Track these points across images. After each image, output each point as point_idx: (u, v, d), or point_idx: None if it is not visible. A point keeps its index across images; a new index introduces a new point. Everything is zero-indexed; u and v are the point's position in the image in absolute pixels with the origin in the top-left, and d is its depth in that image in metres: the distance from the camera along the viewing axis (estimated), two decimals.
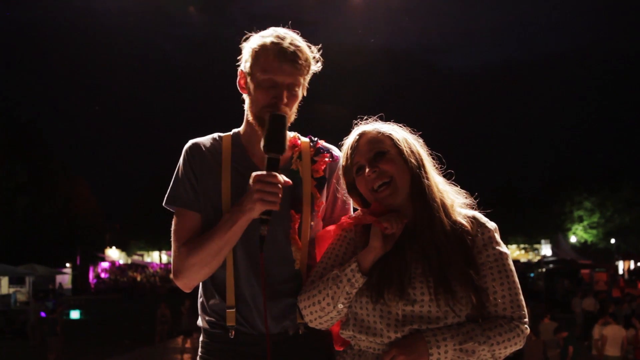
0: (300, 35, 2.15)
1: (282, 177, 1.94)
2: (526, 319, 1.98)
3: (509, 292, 1.97)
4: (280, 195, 1.92)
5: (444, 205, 2.03)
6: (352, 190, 2.14)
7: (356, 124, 2.16)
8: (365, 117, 2.18)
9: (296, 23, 2.17)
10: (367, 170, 2.02)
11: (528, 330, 1.96)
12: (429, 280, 1.93)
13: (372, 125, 2.12)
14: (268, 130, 1.98)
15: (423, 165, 2.06)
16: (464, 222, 2.03)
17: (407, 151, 2.04)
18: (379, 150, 2.04)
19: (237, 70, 2.20)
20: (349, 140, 2.12)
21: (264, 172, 1.93)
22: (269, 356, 2.01)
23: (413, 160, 2.04)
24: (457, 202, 2.09)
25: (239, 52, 2.17)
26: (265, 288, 2.03)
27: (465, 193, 2.15)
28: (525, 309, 2.01)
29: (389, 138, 2.06)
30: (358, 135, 2.09)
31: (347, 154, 2.10)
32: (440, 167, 2.15)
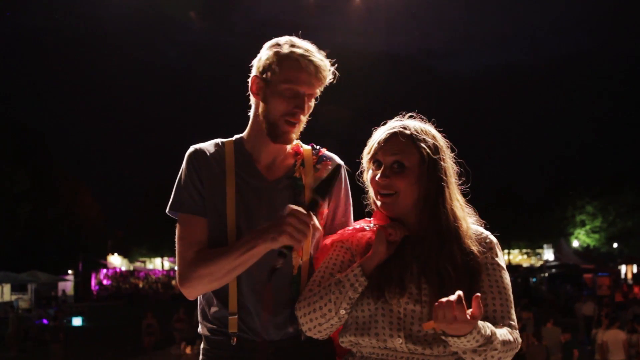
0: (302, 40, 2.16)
1: (315, 221, 1.96)
2: (518, 332, 1.93)
3: (507, 304, 1.94)
4: (307, 236, 1.94)
5: (457, 235, 1.97)
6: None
7: (402, 115, 2.09)
8: (407, 114, 2.09)
9: (298, 28, 2.18)
10: (380, 173, 2.01)
11: (520, 344, 1.91)
12: (426, 285, 1.92)
13: (410, 128, 2.02)
14: (328, 178, 2.04)
15: (442, 192, 1.98)
16: (474, 248, 1.97)
17: (430, 175, 1.97)
18: (400, 160, 1.98)
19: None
20: (381, 134, 2.03)
21: (301, 210, 1.93)
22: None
23: (433, 186, 1.98)
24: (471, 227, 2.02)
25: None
26: (267, 315, 2.06)
27: (474, 211, 2.09)
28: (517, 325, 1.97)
29: (420, 152, 1.98)
30: (390, 133, 2.01)
31: (373, 145, 2.05)
32: (462, 183, 2.09)
